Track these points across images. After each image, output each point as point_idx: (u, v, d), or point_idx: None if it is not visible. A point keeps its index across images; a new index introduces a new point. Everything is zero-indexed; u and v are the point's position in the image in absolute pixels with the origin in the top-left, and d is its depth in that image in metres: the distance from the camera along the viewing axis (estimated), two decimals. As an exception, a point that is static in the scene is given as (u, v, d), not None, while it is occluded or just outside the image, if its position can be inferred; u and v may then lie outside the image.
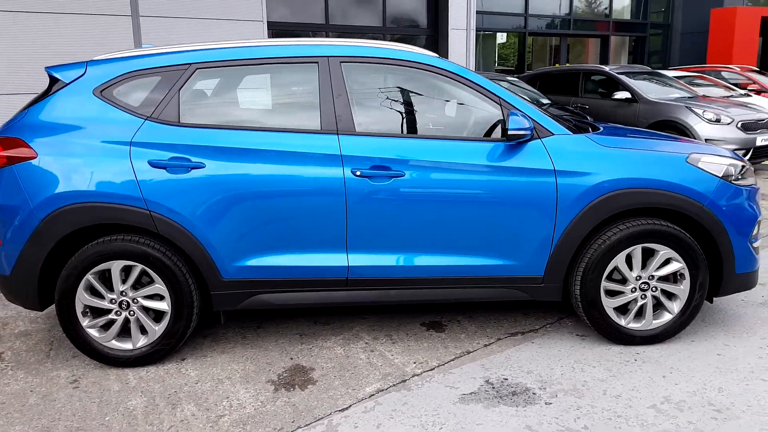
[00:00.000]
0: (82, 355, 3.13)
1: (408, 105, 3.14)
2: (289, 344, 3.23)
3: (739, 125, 7.36)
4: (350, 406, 2.64)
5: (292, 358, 3.08)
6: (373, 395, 2.72)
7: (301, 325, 3.46)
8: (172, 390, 2.79)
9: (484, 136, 3.07)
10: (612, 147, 3.05)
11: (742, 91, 10.21)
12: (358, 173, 2.90)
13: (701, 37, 16.88)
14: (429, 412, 2.58)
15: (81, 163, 2.85)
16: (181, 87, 2.97)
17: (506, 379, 2.84)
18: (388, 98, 3.11)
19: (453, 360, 3.04)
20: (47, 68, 3.15)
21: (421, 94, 3.16)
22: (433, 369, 2.95)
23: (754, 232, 3.16)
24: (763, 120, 7.55)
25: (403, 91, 3.16)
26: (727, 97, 9.37)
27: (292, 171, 2.90)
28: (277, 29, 9.85)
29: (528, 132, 2.86)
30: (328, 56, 3.04)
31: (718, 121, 7.35)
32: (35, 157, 2.85)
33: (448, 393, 2.72)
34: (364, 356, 3.09)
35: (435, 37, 11.24)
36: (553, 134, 3.00)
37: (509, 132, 2.83)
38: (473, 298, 3.12)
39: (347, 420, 2.54)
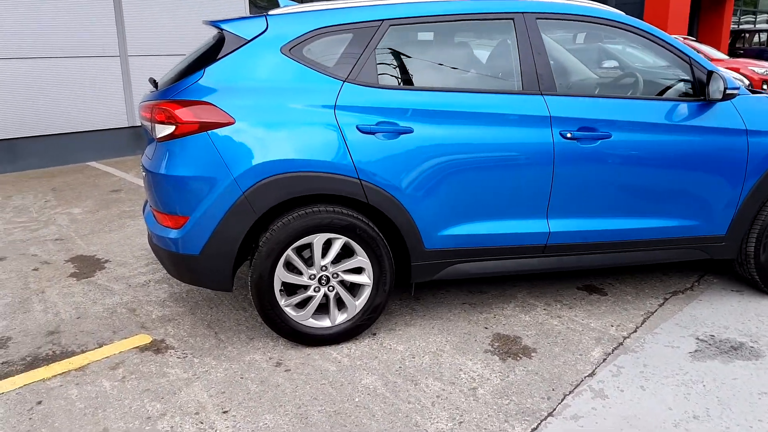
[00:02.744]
0: (260, 337, 2.90)
1: (602, 64, 3.09)
2: (469, 314, 3.15)
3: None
4: (594, 371, 2.63)
5: (486, 327, 3.01)
6: (605, 359, 2.72)
7: (460, 295, 3.38)
8: (395, 366, 2.66)
9: (675, 96, 3.08)
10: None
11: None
12: (568, 135, 2.84)
13: (636, 8, 17.57)
14: (677, 371, 2.61)
15: (285, 130, 2.59)
16: (376, 45, 2.75)
17: (713, 335, 2.93)
18: (582, 56, 3.03)
19: (645, 321, 3.09)
20: (213, 22, 2.82)
21: (613, 53, 3.11)
22: (636, 330, 2.99)
23: None
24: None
25: (596, 49, 3.10)
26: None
27: (500, 134, 2.79)
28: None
29: (738, 91, 2.90)
30: (523, 12, 2.92)
31: None
32: (233, 123, 2.56)
33: (674, 352, 2.77)
34: (556, 322, 3.07)
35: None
36: (738, 94, 3.06)
37: (728, 91, 2.86)
38: (656, 260, 3.17)
39: (605, 384, 2.52)
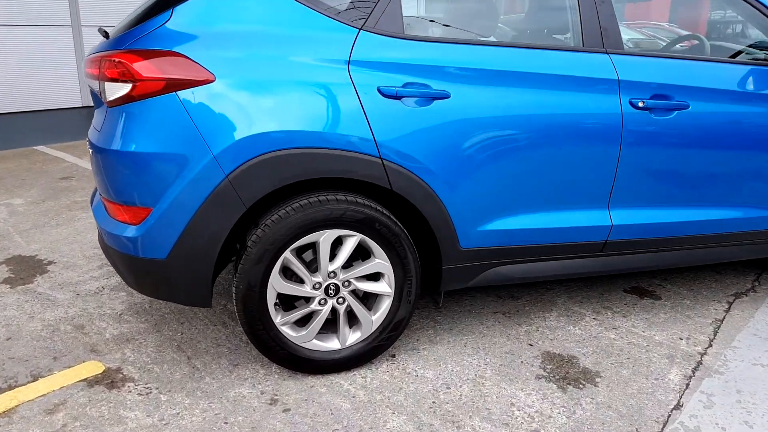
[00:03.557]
0: (247, 362, 2.26)
1: (705, 16, 2.50)
2: (505, 327, 2.56)
3: None
4: (681, 401, 2.07)
5: (531, 344, 2.43)
6: (688, 384, 2.16)
7: (490, 302, 2.78)
8: (427, 401, 2.05)
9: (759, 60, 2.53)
10: None
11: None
12: (640, 104, 2.25)
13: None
14: (781, 400, 2.08)
15: (283, 91, 1.93)
16: (401, -16, 2.11)
17: (806, 350, 2.41)
18: (678, 6, 2.45)
19: (717, 332, 2.55)
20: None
21: (684, 5, 2.53)
22: (711, 345, 2.44)
23: None
24: None
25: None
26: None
27: (558, 102, 2.18)
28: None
29: None
30: (580, -49, 2.32)
31: None
32: (212, 80, 1.89)
33: (764, 372, 2.24)
34: (613, 335, 2.51)
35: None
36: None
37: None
38: (735, 257, 2.63)
39: (700, 420, 1.95)
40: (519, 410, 2.01)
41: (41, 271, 3.10)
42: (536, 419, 1.96)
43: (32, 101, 6.31)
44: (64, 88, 6.54)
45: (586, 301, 2.82)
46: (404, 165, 2.04)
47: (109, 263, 3.18)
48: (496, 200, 2.20)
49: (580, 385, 2.16)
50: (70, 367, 2.23)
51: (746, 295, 2.92)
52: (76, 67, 6.59)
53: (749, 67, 2.43)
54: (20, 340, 2.42)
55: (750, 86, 2.40)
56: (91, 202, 2.44)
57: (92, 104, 6.71)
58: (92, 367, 2.23)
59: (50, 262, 3.22)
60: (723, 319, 2.66)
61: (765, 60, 2.50)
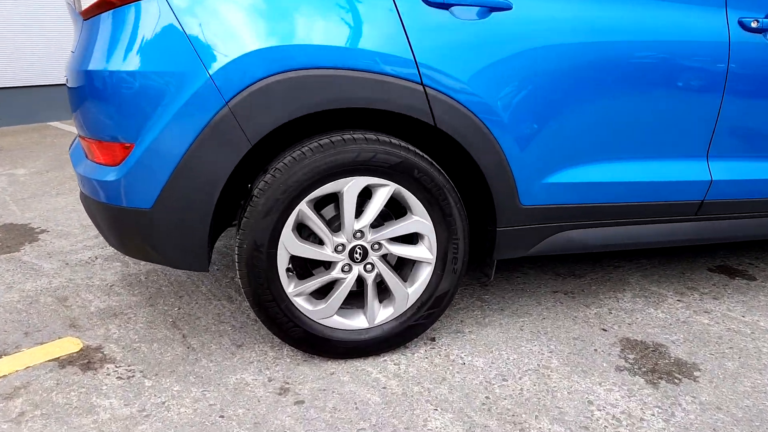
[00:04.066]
0: (254, 342, 1.84)
1: None
2: (570, 308, 2.10)
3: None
4: (815, 404, 1.59)
5: (605, 329, 1.96)
6: (818, 383, 1.68)
7: (547, 280, 2.31)
8: (478, 396, 1.60)
9: None
10: None
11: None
12: (753, 24, 1.77)
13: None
14: None
15: (298, -8, 1.51)
16: None
17: None
18: None
19: (838, 318, 2.05)
20: None
21: None
22: (834, 334, 1.95)
23: None
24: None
25: None
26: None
27: (648, 19, 1.71)
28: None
29: None
30: None
31: None
32: (214, -23, 1.47)
33: None
34: (706, 319, 2.02)
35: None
36: None
37: None
38: None
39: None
40: (600, 410, 1.55)
41: (31, 240, 2.74)
42: (624, 422, 1.50)
43: (47, 75, 6.02)
44: (81, 62, 6.24)
45: (664, 280, 2.33)
46: (452, 95, 1.59)
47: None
48: (569, 143, 1.74)
49: (675, 380, 1.69)
50: (41, 344, 1.85)
51: None
52: (93, 41, 6.28)
53: None
54: (-10, 313, 2.05)
55: None
56: (70, 148, 2.05)
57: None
58: (68, 345, 1.84)
59: (43, 231, 2.86)
60: (841, 305, 2.16)
61: None
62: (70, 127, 5.73)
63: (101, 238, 2.74)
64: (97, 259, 2.51)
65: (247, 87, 1.49)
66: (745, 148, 1.89)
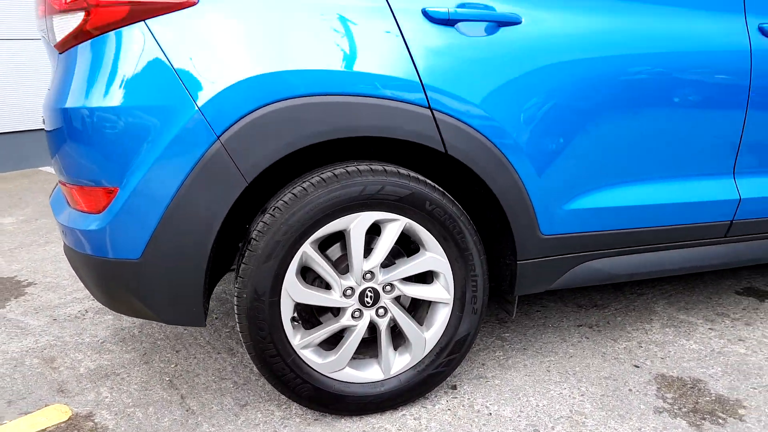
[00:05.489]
0: (259, 401, 1.67)
1: None
2: (597, 344, 1.95)
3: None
4: None
5: (637, 365, 1.80)
6: None
7: (568, 313, 2.17)
8: (510, 451, 1.45)
9: None
10: None
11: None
12: (775, 31, 1.67)
13: None
14: None
15: (295, 17, 1.39)
16: None
17: None
18: None
19: None
20: None
21: None
22: None
23: None
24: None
25: None
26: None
27: (665, 29, 1.61)
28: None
29: None
30: None
31: None
32: (195, 3, 1.36)
33: None
34: (742, 349, 1.88)
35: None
36: None
37: None
38: None
39: None
40: (647, 462, 1.39)
41: (17, 294, 2.59)
42: (677, 475, 1.35)
43: (37, 119, 5.92)
44: (71, 106, 6.15)
45: (691, 307, 2.19)
46: (462, 119, 1.48)
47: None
48: (590, 166, 1.62)
49: (720, 421, 1.53)
50: (26, 414, 1.68)
51: None
52: (83, 85, 6.20)
53: None
54: (-29, 379, 1.88)
55: None
56: (50, 196, 1.91)
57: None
58: (55, 413, 1.68)
59: (30, 283, 2.70)
60: None
61: None
62: (61, 173, 5.60)
63: (91, 288, 2.58)
64: (87, 312, 2.35)
65: (240, 119, 1.37)
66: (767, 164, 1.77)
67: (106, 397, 1.75)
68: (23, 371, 1.92)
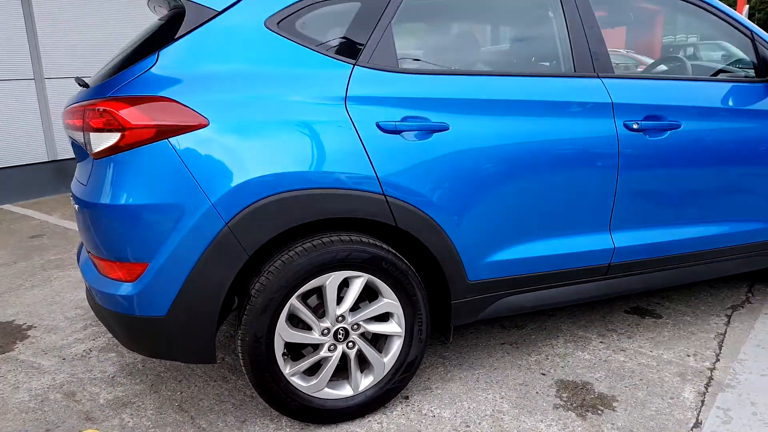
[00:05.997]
0: (255, 417, 2.14)
1: (659, 40, 2.57)
2: (515, 357, 2.51)
3: None
4: (699, 419, 2.04)
5: (543, 373, 2.38)
6: (703, 401, 2.14)
7: (495, 334, 2.74)
8: (449, 444, 1.97)
9: (735, 77, 2.60)
10: None
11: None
12: (635, 126, 2.28)
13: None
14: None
15: (281, 132, 1.88)
16: (392, 18, 2.10)
17: (813, 358, 2.42)
18: (633, 31, 2.51)
19: (722, 346, 2.54)
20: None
21: (671, 26, 2.60)
22: (718, 359, 2.43)
23: None
24: None
25: (650, 21, 2.59)
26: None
27: (556, 128, 2.19)
28: None
29: None
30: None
31: None
32: (206, 125, 1.83)
33: (781, 384, 2.24)
34: (622, 357, 2.48)
35: None
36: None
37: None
38: (727, 271, 2.65)
39: (722, 439, 1.94)
40: (544, 444, 1.95)
41: (21, 337, 2.93)
42: (564, 452, 1.91)
43: (-5, 159, 6.10)
44: (30, 143, 6.36)
45: (590, 324, 2.80)
46: (408, 200, 2.01)
47: (94, 320, 3.04)
48: (501, 230, 2.18)
49: (599, 411, 2.11)
50: (64, 439, 2.09)
51: (743, 307, 2.94)
52: (40, 121, 6.42)
53: (731, 84, 2.50)
54: (7, 414, 2.25)
55: (735, 103, 2.46)
56: (78, 259, 2.32)
57: (59, 158, 6.52)
58: (89, 437, 2.09)
59: (30, 327, 3.05)
60: (725, 333, 2.67)
61: (746, 77, 2.58)
62: (26, 210, 5.82)
63: (90, 329, 2.96)
64: (92, 351, 2.73)
65: (243, 209, 1.85)
66: (638, 221, 2.39)
67: (129, 421, 2.17)
68: (51, 405, 2.31)
